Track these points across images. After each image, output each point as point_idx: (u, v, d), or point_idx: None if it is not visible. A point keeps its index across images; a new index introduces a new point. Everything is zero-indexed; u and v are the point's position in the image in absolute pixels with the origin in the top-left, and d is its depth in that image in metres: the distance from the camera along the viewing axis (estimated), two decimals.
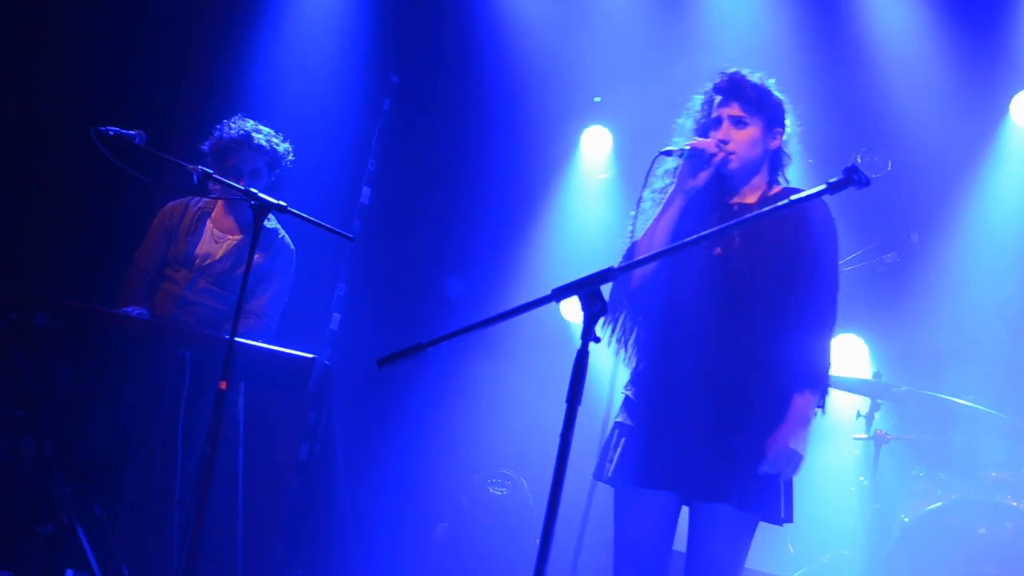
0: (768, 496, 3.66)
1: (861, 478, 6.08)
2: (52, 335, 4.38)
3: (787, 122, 3.93)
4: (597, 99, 7.79)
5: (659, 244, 3.79)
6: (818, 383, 3.70)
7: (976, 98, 6.85)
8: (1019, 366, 6.28)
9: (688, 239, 3.33)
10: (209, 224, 5.34)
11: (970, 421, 5.84)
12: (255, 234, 4.19)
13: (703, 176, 3.80)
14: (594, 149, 7.89)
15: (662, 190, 3.90)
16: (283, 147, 5.36)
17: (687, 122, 3.95)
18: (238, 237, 5.34)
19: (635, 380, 3.85)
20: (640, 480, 3.70)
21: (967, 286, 6.63)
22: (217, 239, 5.32)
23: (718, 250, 3.77)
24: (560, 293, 2.85)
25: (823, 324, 3.74)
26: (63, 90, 6.16)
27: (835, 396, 6.66)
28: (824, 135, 7.13)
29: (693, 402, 3.67)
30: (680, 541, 3.87)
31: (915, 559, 5.48)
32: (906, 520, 5.69)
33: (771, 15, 7.05)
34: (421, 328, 6.94)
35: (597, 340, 2.84)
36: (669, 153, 3.81)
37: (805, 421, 3.66)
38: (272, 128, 5.41)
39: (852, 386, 6.19)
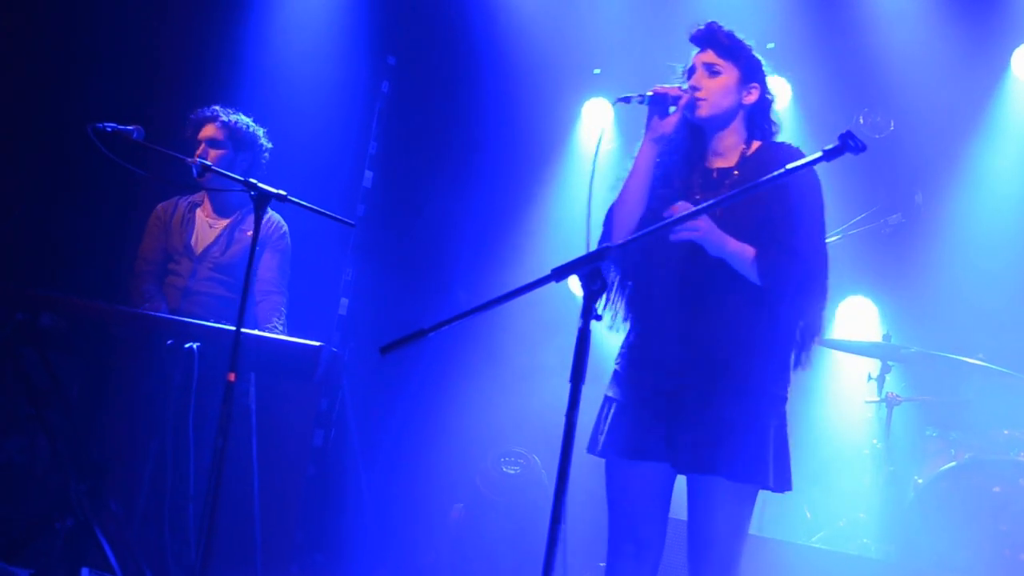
0: (757, 464, 3.58)
1: (874, 441, 6.08)
2: (59, 334, 4.41)
3: (769, 86, 3.84)
4: (597, 71, 7.76)
5: (634, 199, 3.75)
6: (788, 297, 3.57)
7: (976, 53, 6.78)
8: None
9: (679, 216, 3.26)
10: (199, 213, 5.49)
11: (981, 380, 5.83)
12: (256, 225, 4.20)
13: (671, 121, 3.72)
14: (595, 121, 7.87)
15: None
16: (252, 127, 5.45)
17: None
18: (227, 220, 5.47)
19: (623, 353, 3.80)
20: (630, 452, 3.65)
21: (973, 244, 6.60)
22: (211, 225, 5.46)
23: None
24: (559, 273, 2.84)
25: (806, 283, 3.60)
26: (60, 88, 6.16)
27: (846, 360, 6.72)
28: (826, 97, 7.16)
29: (678, 372, 3.61)
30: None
31: (930, 519, 5.49)
32: (920, 481, 5.70)
33: None
34: (430, 309, 6.95)
35: (599, 318, 2.84)
36: (627, 100, 3.68)
37: (734, 248, 3.55)
38: (271, 114, 5.45)
39: (862, 349, 6.21)
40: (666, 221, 3.19)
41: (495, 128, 7.54)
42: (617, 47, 7.41)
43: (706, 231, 3.54)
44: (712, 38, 3.80)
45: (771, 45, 7.15)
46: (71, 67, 6.25)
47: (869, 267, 6.74)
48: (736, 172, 3.74)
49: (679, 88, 3.74)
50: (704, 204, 3.16)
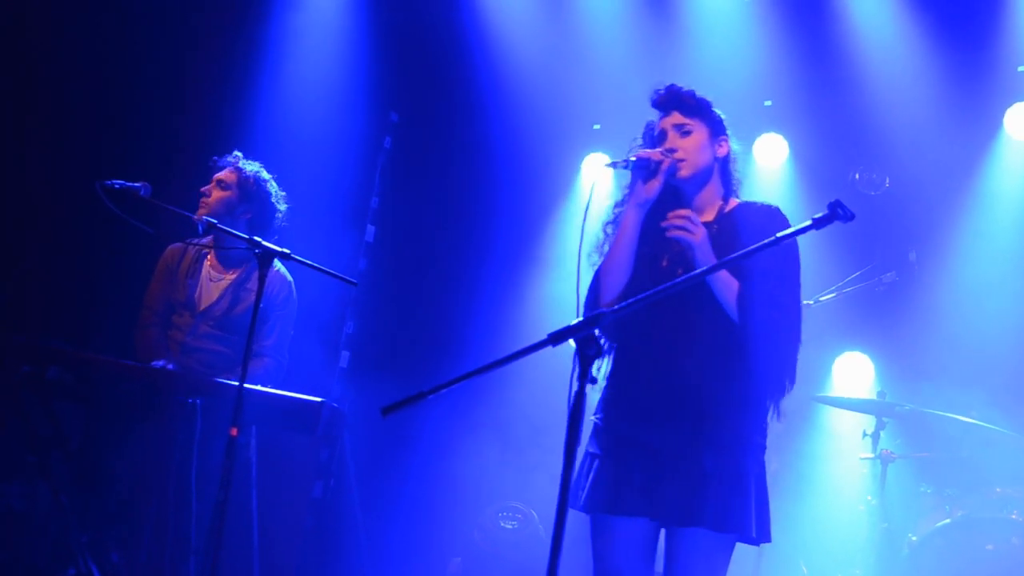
0: (741, 515, 3.58)
1: (869, 497, 6.10)
2: (64, 387, 4.45)
3: (731, 139, 3.92)
4: (596, 126, 7.86)
5: (621, 264, 3.76)
6: (771, 378, 3.63)
7: (970, 112, 6.85)
8: (1021, 381, 6.30)
9: (679, 280, 3.15)
10: (206, 265, 5.39)
11: (974, 438, 5.87)
12: (260, 282, 4.25)
13: (654, 186, 3.75)
14: (592, 179, 7.94)
15: (617, 211, 3.88)
16: (266, 182, 5.44)
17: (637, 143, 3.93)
18: (233, 276, 5.38)
19: (601, 406, 3.80)
20: (612, 508, 3.65)
21: (967, 302, 6.64)
22: (214, 280, 5.37)
23: (664, 262, 3.76)
24: (556, 338, 2.86)
25: (783, 328, 3.63)
26: (68, 143, 6.24)
27: (841, 416, 6.76)
28: (822, 154, 7.26)
29: (660, 424, 3.62)
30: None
31: None
32: (914, 539, 5.71)
33: (767, 39, 7.10)
34: (430, 364, 6.99)
35: (594, 382, 2.87)
36: (614, 165, 3.76)
37: (720, 271, 3.58)
38: (275, 170, 5.50)
39: (858, 406, 6.24)
40: (664, 286, 3.13)
41: (496, 184, 7.62)
42: (616, 103, 7.49)
43: (700, 241, 3.60)
44: (676, 99, 3.85)
45: (768, 103, 7.28)
46: (80, 123, 6.33)
47: (864, 324, 6.81)
48: (716, 225, 3.78)
49: (659, 152, 3.76)
50: (696, 271, 3.16)
